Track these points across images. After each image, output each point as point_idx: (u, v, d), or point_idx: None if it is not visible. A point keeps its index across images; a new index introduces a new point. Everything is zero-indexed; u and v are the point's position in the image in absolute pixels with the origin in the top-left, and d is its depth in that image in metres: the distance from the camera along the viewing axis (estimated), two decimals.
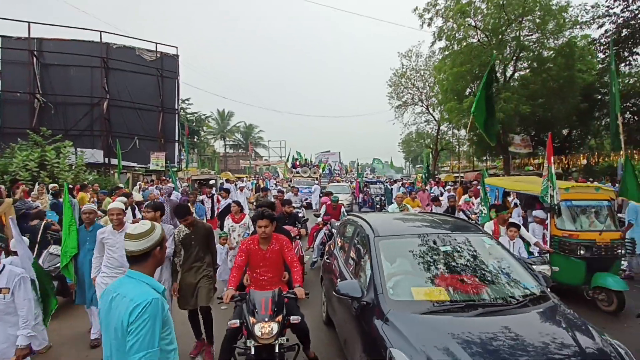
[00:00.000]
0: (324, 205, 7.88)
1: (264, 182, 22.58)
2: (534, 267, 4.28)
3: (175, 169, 18.91)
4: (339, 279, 3.89)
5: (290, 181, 19.10)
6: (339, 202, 8.07)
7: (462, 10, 15.74)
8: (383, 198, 15.85)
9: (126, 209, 5.44)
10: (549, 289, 3.10)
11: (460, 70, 15.47)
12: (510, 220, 5.55)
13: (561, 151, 22.21)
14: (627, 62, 18.40)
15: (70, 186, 7.30)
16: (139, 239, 1.73)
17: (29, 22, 15.65)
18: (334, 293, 3.30)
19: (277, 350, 2.94)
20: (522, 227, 5.46)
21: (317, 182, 19.79)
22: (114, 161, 16.98)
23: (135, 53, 18.44)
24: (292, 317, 3.06)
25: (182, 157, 21.56)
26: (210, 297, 4.02)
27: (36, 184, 8.78)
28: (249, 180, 20.22)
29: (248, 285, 3.51)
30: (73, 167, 13.17)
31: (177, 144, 20.78)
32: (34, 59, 16.06)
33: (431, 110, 30.00)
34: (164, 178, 17.24)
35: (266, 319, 2.87)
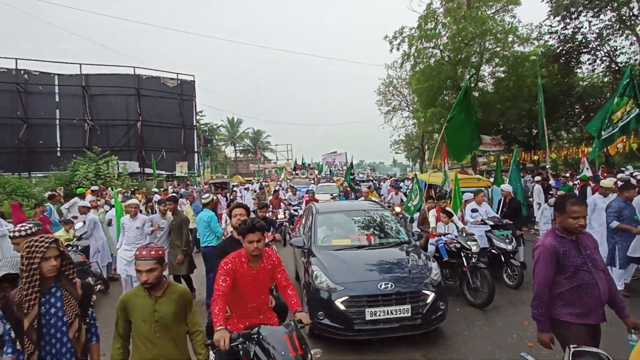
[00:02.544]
0: (304, 201, 10.68)
1: (273, 183, 25.15)
2: (468, 242, 5.33)
3: (195, 175, 21.92)
4: None
5: (291, 182, 21.58)
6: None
7: (424, 36, 18.27)
8: None
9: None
10: (415, 239, 5.32)
11: (423, 87, 18.05)
12: (446, 208, 6.26)
13: (530, 147, 24.31)
14: (574, 72, 20.58)
15: (133, 190, 10.17)
16: (206, 199, 5.26)
17: (80, 64, 18.90)
18: (289, 244, 5.44)
19: None
20: (455, 216, 6.16)
21: (313, 182, 22.02)
22: (147, 170, 20.06)
23: (160, 82, 21.57)
24: (313, 352, 2.34)
25: (200, 164, 24.58)
26: (184, 267, 5.36)
27: (109, 188, 11.77)
28: (257, 183, 22.97)
29: (230, 317, 2.63)
30: (118, 176, 16.18)
31: (196, 154, 23.80)
32: (84, 91, 19.23)
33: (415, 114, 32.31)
34: (187, 182, 20.16)
35: None
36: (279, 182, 21.31)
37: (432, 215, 6.22)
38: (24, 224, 2.98)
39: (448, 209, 6.20)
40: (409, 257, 4.63)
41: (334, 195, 13.86)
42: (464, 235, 5.64)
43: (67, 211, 7.64)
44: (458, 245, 5.38)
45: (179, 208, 6.30)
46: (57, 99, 19.13)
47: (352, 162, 13.21)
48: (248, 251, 2.54)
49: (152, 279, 2.15)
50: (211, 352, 2.58)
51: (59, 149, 18.97)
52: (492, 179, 9.65)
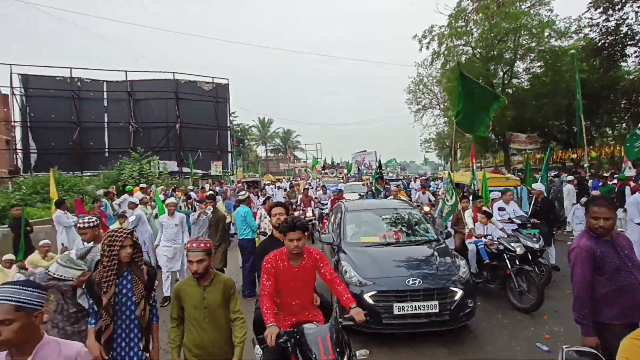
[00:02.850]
0: (329, 201, 10.86)
1: (303, 182, 25.61)
2: (512, 244, 5.16)
3: (229, 174, 22.79)
4: None
5: (320, 181, 21.80)
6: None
7: (455, 34, 17.82)
8: None
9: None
10: (443, 237, 5.29)
11: (454, 85, 17.56)
12: (484, 208, 6.02)
13: (570, 145, 22.96)
14: (618, 66, 19.21)
15: (173, 188, 10.81)
16: (242, 196, 5.33)
17: (126, 71, 20.39)
18: (318, 241, 5.66)
19: None
20: (494, 217, 5.87)
21: (342, 181, 22.07)
22: (185, 169, 21.16)
23: (197, 85, 22.66)
24: (358, 353, 2.35)
25: (233, 164, 25.49)
26: (220, 261, 5.75)
27: (152, 186, 12.60)
28: (287, 181, 23.47)
29: (277, 313, 2.62)
30: (159, 175, 17.22)
31: (229, 154, 24.73)
32: (129, 96, 20.63)
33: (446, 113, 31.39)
34: (222, 181, 20.99)
35: None
36: (308, 182, 21.61)
37: (468, 216, 5.97)
38: (90, 217, 3.37)
39: (485, 209, 5.88)
40: (437, 254, 4.69)
41: (362, 194, 13.95)
42: (507, 236, 5.37)
43: (118, 206, 8.37)
44: (501, 247, 5.13)
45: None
46: (105, 104, 20.74)
47: (380, 161, 13.20)
48: (289, 249, 2.56)
49: (202, 269, 2.34)
50: (258, 347, 2.72)
51: (107, 149, 20.49)
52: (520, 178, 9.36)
